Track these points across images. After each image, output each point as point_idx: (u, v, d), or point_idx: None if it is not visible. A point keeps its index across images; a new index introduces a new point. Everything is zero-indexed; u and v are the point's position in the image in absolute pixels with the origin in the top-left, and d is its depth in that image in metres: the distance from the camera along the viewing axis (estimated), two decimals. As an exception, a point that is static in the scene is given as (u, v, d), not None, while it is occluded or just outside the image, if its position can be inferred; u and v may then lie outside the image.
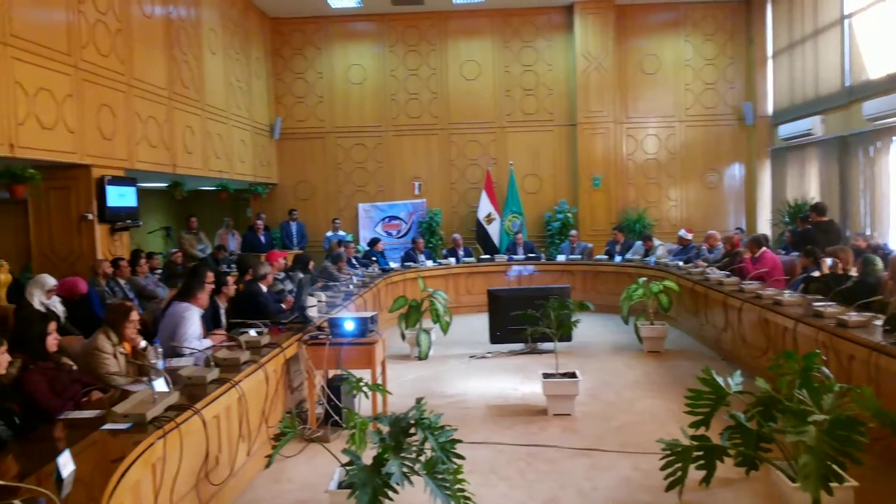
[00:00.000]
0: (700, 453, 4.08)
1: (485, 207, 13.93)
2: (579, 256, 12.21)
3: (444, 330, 8.77)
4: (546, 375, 6.26)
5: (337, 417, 5.60)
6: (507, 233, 13.75)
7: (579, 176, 14.24)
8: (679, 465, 4.08)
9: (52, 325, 4.11)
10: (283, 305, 7.08)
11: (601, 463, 5.08)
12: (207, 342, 5.42)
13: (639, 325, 8.64)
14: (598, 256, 12.21)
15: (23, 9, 6.69)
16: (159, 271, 9.73)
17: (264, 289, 7.01)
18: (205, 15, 11.12)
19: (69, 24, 7.45)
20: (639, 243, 11.88)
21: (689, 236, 11.48)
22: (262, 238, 12.83)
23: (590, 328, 9.62)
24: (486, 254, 13.23)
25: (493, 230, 13.90)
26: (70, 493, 2.70)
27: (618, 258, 11.76)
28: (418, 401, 3.90)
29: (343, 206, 14.65)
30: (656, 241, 11.71)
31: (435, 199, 14.56)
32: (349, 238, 13.25)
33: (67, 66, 7.44)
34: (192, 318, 5.40)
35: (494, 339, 8.79)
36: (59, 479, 2.73)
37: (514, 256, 12.46)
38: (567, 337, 7.97)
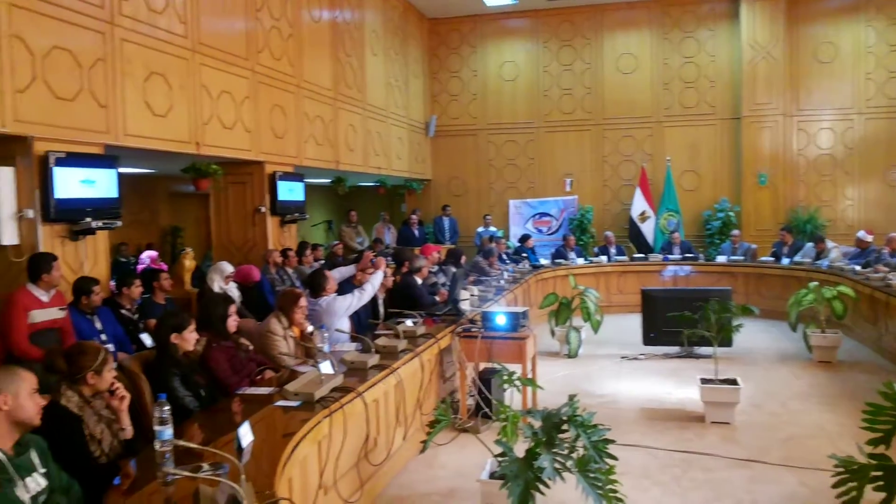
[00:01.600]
0: (879, 473, 3.74)
1: (639, 205, 13.52)
2: (741, 258, 11.54)
3: (595, 329, 8.62)
4: (704, 381, 6.00)
5: (487, 409, 5.68)
6: (663, 231, 13.27)
7: (743, 173, 13.46)
8: (854, 484, 3.76)
9: (233, 308, 4.48)
10: (437, 298, 7.26)
11: (763, 476, 4.79)
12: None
13: (808, 333, 8.04)
14: (763, 258, 11.49)
15: (209, 19, 7.32)
16: (321, 262, 10.30)
17: (419, 281, 7.23)
18: (368, 17, 11.63)
19: (248, 31, 8.07)
20: (809, 245, 11.04)
21: (870, 238, 10.50)
22: (416, 232, 13.22)
23: (752, 334, 9.07)
24: (639, 252, 12.85)
25: (648, 228, 13.46)
26: (248, 462, 2.94)
27: (785, 260, 11.00)
28: (571, 397, 3.87)
29: (494, 202, 14.77)
30: (829, 243, 10.82)
31: (586, 195, 14.32)
32: (500, 234, 13.36)
33: (246, 70, 8.06)
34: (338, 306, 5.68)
35: (648, 340, 8.52)
36: (240, 448, 2.98)
37: (670, 256, 12.00)
38: (727, 342, 7.59)
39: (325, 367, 4.16)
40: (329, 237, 14.80)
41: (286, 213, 8.86)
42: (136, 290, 6.11)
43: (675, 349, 8.34)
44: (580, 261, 12.02)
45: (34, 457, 2.66)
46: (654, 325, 8.43)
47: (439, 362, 5.93)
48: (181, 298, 7.05)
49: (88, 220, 5.65)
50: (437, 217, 14.13)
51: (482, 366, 6.04)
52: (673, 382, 7.23)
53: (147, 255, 9.90)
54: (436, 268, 8.88)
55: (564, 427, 3.68)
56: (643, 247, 13.22)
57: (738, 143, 13.55)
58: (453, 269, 8.76)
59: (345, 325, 5.73)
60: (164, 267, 9.36)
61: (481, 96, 14.80)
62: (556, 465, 3.47)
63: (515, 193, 14.69)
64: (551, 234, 14.28)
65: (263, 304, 7.34)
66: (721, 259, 11.62)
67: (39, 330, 4.78)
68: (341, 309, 5.64)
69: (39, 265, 4.82)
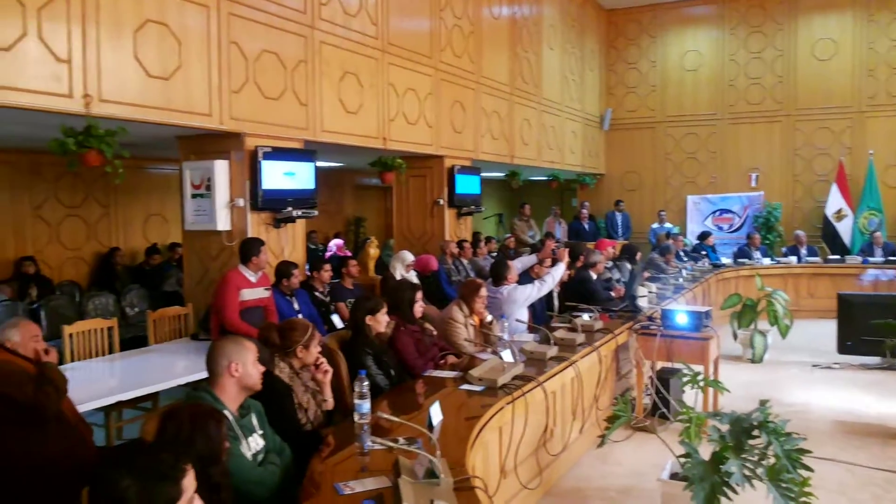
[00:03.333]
0: None
1: (835, 202, 12.44)
2: (958, 262, 10.30)
3: (783, 333, 8.06)
4: (913, 395, 5.45)
5: (664, 409, 5.53)
6: (862, 231, 12.12)
7: (963, 167, 11.99)
8: None
9: (419, 294, 4.70)
10: (612, 294, 7.15)
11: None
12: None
13: None
14: None
15: (397, 20, 7.69)
16: (494, 254, 10.48)
17: (594, 276, 7.16)
18: (546, 12, 11.62)
19: (431, 30, 8.37)
20: None
21: None
22: (587, 227, 13.06)
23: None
24: (834, 254, 11.83)
25: (844, 228, 12.35)
26: (439, 439, 3.09)
27: None
28: (763, 403, 3.69)
29: (670, 197, 14.23)
30: None
31: (774, 191, 13.39)
32: (675, 230, 12.85)
33: (429, 67, 8.37)
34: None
35: (843, 348, 7.84)
36: (430, 426, 3.14)
37: (871, 259, 10.95)
38: (940, 355, 6.82)
39: (506, 356, 4.27)
40: (499, 230, 14.99)
41: (463, 205, 9.11)
42: (326, 274, 6.58)
43: (875, 360, 7.61)
44: (766, 261, 11.29)
45: (254, 419, 2.97)
46: (851, 333, 7.74)
47: (615, 359, 5.85)
48: (366, 284, 7.49)
49: (289, 209, 6.16)
50: (610, 212, 13.85)
51: (659, 365, 5.89)
52: (873, 395, 6.63)
53: (334, 243, 10.59)
54: (610, 263, 8.73)
55: (755, 433, 3.52)
56: (838, 248, 12.16)
57: (958, 134, 12.07)
58: (628, 266, 8.58)
59: (523, 315, 5.82)
60: (349, 254, 9.97)
61: (661, 87, 14.29)
62: (746, 472, 3.33)
63: (694, 189, 14.06)
64: (733, 231, 13.53)
65: (440, 292, 7.61)
66: (933, 263, 10.43)
67: (248, 307, 5.28)
68: (521, 298, 5.72)
69: (250, 249, 5.33)
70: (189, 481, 1.69)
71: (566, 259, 6.23)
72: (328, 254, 9.95)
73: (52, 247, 8.36)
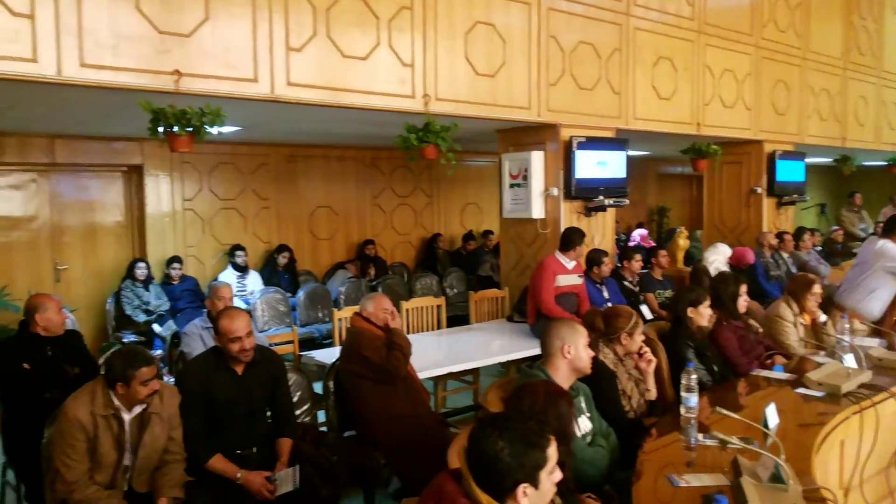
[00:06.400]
0: None
1: None
2: None
3: None
4: None
5: None
6: None
7: None
8: None
9: (743, 288, 4.43)
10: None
11: None
12: None
13: None
14: None
15: (715, -3, 7.29)
16: (818, 248, 9.47)
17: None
18: (891, -29, 10.13)
19: (752, 5, 7.78)
20: None
21: None
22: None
23: None
24: None
25: None
26: (777, 443, 2.89)
27: None
28: None
29: None
30: None
31: None
32: None
33: (748, 45, 7.80)
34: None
35: None
36: (766, 426, 2.95)
37: None
38: None
39: (849, 360, 3.84)
40: (821, 222, 13.47)
41: (783, 194, 8.38)
42: (637, 264, 6.51)
43: None
44: None
45: (582, 402, 3.06)
46: None
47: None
48: (675, 276, 7.26)
49: (601, 198, 6.21)
50: (969, 202, 11.64)
51: None
52: None
53: (638, 233, 10.42)
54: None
55: None
56: None
57: None
58: None
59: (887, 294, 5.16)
60: (653, 244, 9.74)
61: None
62: None
63: None
64: None
65: (756, 288, 7.09)
66: None
67: (562, 293, 5.45)
68: None
69: (573, 238, 5.48)
70: (552, 451, 1.81)
71: None
72: (631, 243, 9.82)
73: (386, 232, 9.45)
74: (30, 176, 7.07)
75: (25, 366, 3.72)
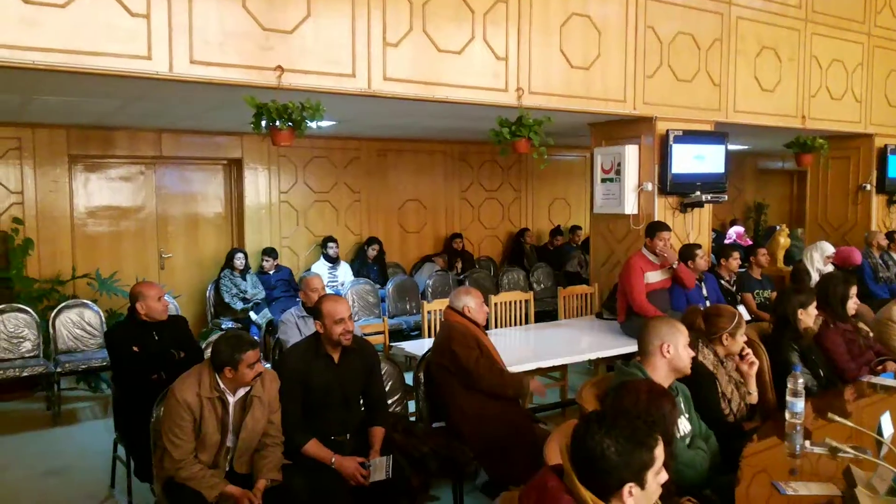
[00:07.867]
0: None
1: None
2: None
3: None
4: None
5: None
6: None
7: None
8: None
9: (853, 290, 4.21)
10: None
11: None
12: None
13: None
14: None
15: (826, -17, 6.92)
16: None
17: None
18: None
19: (867, -10, 7.36)
20: None
21: None
22: None
23: None
24: None
25: None
26: (894, 453, 2.73)
27: None
28: None
29: None
30: None
31: None
32: None
33: (860, 34, 7.39)
34: None
35: None
36: (880, 434, 2.78)
37: None
38: None
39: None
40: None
41: (895, 191, 7.88)
42: (734, 262, 6.27)
43: None
44: None
45: (681, 402, 2.97)
46: None
47: None
48: (774, 275, 6.96)
49: (698, 193, 6.01)
50: None
51: None
52: None
53: (734, 231, 10.05)
54: None
55: None
56: None
57: None
58: None
59: None
60: (750, 242, 9.35)
61: None
62: None
63: None
64: None
65: (863, 289, 6.70)
66: None
67: (654, 290, 5.30)
68: None
69: (654, 230, 5.30)
70: (660, 451, 1.76)
71: None
72: (727, 241, 9.46)
73: (474, 226, 9.47)
74: (138, 168, 7.46)
75: (135, 348, 3.92)
